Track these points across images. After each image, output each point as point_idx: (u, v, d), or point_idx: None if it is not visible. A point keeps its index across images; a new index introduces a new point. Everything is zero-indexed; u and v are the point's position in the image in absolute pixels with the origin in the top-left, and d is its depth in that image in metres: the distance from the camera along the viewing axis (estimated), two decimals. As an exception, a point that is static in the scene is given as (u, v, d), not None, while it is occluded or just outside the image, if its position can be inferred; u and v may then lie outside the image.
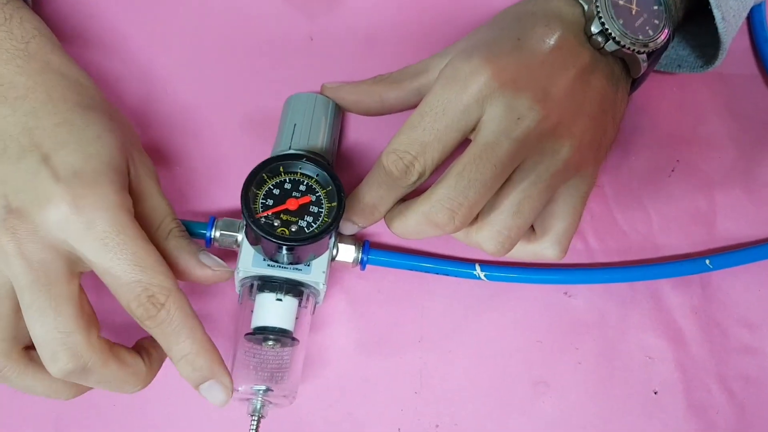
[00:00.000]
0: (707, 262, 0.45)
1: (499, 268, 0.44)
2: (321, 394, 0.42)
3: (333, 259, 0.41)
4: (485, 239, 0.37)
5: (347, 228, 0.41)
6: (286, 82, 0.46)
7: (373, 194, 0.39)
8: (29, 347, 0.35)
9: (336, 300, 0.44)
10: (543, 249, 0.39)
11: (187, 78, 0.47)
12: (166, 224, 0.37)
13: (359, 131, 0.47)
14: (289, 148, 0.41)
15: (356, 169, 0.46)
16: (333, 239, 0.41)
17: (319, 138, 0.42)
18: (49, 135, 0.34)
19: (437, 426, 0.42)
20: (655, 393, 0.43)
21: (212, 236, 0.40)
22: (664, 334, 0.44)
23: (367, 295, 0.44)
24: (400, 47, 0.49)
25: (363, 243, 0.42)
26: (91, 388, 0.36)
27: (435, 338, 0.43)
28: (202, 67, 0.47)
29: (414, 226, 0.37)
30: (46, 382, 0.35)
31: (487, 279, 0.43)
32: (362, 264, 0.42)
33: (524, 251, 0.40)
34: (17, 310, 0.33)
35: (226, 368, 0.35)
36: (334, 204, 0.38)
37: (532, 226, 0.40)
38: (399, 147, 0.36)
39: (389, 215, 0.39)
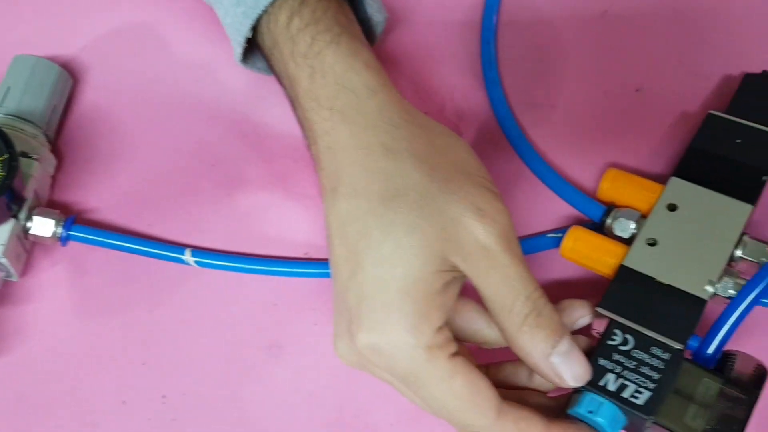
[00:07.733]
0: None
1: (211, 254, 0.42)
2: (42, 368, 0.40)
3: (26, 231, 0.39)
4: None
5: None
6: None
7: None
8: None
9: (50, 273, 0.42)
10: None
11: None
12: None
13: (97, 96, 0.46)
14: None
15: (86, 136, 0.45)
16: (24, 210, 0.39)
17: (35, 103, 0.41)
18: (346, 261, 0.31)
19: (164, 396, 0.40)
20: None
21: None
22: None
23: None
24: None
25: (66, 218, 0.40)
26: None
27: (164, 308, 0.42)
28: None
29: None
30: None
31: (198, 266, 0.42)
32: (62, 240, 0.40)
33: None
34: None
35: None
36: (6, 156, 0.36)
37: None
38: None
39: None
